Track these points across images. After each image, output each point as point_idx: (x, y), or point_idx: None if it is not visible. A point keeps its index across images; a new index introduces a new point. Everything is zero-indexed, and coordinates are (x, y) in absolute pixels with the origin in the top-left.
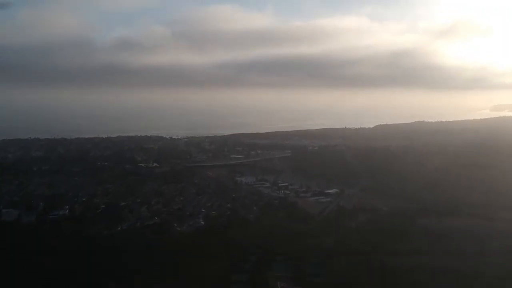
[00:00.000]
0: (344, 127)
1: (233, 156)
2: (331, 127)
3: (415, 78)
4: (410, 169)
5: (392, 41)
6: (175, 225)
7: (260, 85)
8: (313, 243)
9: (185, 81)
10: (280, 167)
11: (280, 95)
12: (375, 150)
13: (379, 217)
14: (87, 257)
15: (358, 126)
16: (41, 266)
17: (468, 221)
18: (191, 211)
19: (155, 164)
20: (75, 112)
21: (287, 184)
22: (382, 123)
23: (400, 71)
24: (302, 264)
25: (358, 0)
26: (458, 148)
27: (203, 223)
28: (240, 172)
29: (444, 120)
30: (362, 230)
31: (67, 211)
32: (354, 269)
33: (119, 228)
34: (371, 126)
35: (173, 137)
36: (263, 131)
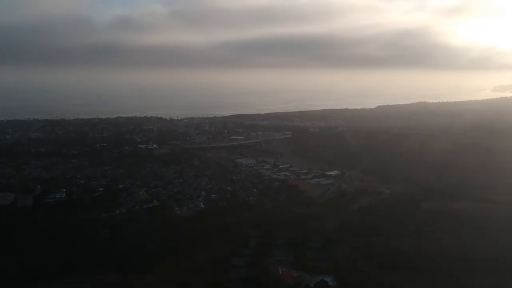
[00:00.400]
0: (345, 108)
1: (233, 137)
2: (332, 108)
3: (420, 58)
4: (413, 152)
5: (400, 20)
6: (175, 208)
7: (261, 66)
8: (314, 227)
9: (185, 61)
10: (280, 148)
11: (281, 76)
12: (377, 131)
13: (381, 200)
14: (83, 242)
15: (359, 107)
16: (35, 250)
17: (473, 204)
18: (191, 194)
19: (154, 146)
20: (74, 92)
21: (287, 166)
22: (384, 104)
23: (406, 51)
24: (303, 248)
25: None
26: (462, 130)
27: (203, 206)
28: (240, 153)
29: (445, 101)
30: (363, 213)
31: (64, 194)
32: (356, 253)
33: (117, 212)
34: (373, 107)
35: (173, 118)
36: (263, 112)
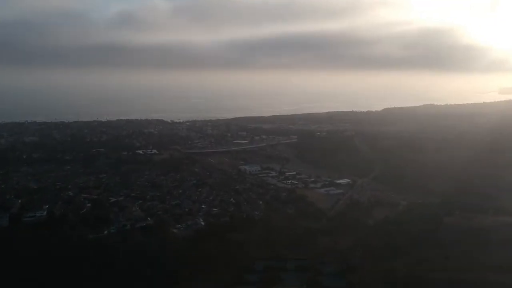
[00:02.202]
0: (352, 110)
1: (236, 141)
2: (338, 110)
3: (439, 60)
4: (427, 158)
5: (427, 18)
6: (171, 227)
7: (270, 67)
8: (326, 245)
9: (188, 61)
10: (286, 153)
11: (288, 77)
12: (387, 135)
13: (399, 214)
14: (62, 269)
15: (365, 110)
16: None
17: (500, 218)
18: (190, 208)
19: (154, 151)
20: (74, 93)
21: (294, 173)
22: (390, 106)
23: (427, 51)
24: (316, 274)
25: None
26: (475, 135)
27: (203, 223)
28: (243, 159)
29: (453, 103)
30: (381, 229)
31: (45, 212)
32: (377, 281)
33: (105, 232)
34: (379, 109)
35: (175, 120)
36: (267, 114)
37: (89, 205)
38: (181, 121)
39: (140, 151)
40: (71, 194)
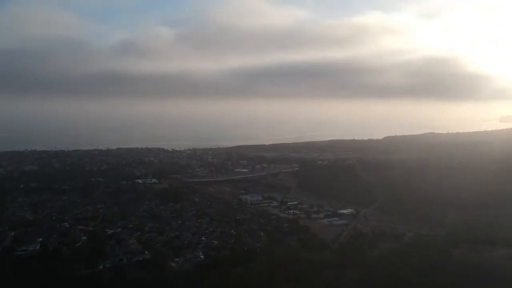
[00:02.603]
0: (353, 138)
1: (237, 170)
2: (339, 138)
3: (438, 88)
4: (431, 187)
5: (432, 46)
6: (170, 261)
7: (271, 95)
8: (330, 279)
9: (191, 90)
10: (287, 183)
11: (291, 106)
12: (390, 164)
13: (405, 246)
14: None
15: (366, 138)
16: None
17: (510, 251)
18: (190, 240)
19: (153, 180)
20: (75, 122)
21: (296, 202)
22: (391, 135)
23: (430, 80)
24: None
25: None
26: (481, 164)
27: (202, 256)
28: (244, 188)
29: (454, 132)
30: (388, 262)
31: (39, 245)
32: None
33: (100, 267)
34: (380, 137)
35: (175, 149)
36: (268, 143)
37: (84, 238)
38: (182, 149)
39: (140, 180)
40: (67, 225)
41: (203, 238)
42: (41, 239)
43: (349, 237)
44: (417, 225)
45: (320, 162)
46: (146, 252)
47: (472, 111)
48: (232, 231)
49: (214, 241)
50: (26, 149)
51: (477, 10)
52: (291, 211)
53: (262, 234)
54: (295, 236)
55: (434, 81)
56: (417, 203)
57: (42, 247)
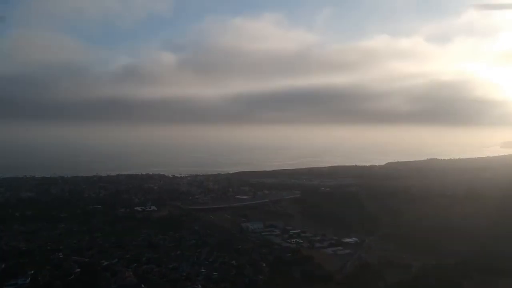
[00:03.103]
0: (354, 164)
1: (238, 197)
2: (341, 164)
3: (443, 113)
4: (436, 215)
5: (440, 71)
6: None
7: (273, 121)
8: None
9: (193, 116)
10: (289, 210)
11: (291, 132)
12: (393, 191)
13: (413, 278)
14: None
15: (368, 164)
16: None
17: None
18: (189, 272)
19: (152, 207)
20: (76, 148)
21: (298, 231)
22: (393, 161)
23: (434, 105)
24: None
25: (422, 17)
26: (487, 191)
27: None
28: (246, 215)
29: (456, 158)
30: None
31: (29, 279)
32: None
33: None
34: (382, 163)
35: (176, 175)
36: (269, 169)
37: (78, 270)
38: (182, 175)
39: (139, 208)
40: (61, 256)
41: (202, 270)
42: (32, 271)
43: (355, 267)
44: (423, 254)
45: (322, 188)
46: (142, 285)
47: (474, 137)
48: (233, 261)
49: (214, 273)
50: (25, 175)
51: (486, 34)
52: (294, 240)
53: (264, 265)
54: (299, 267)
55: (439, 106)
56: (422, 232)
57: (32, 280)
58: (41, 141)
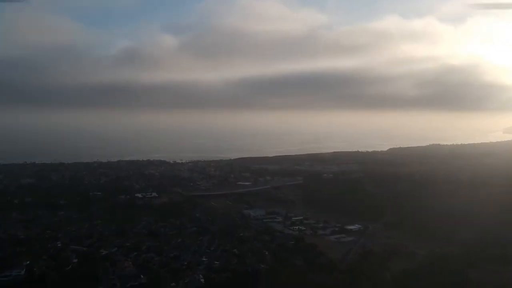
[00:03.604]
0: (357, 150)
1: (239, 183)
2: (343, 150)
3: (451, 98)
4: (441, 202)
5: (452, 54)
6: (167, 285)
7: (276, 107)
8: None
9: (195, 101)
10: (292, 196)
11: (294, 117)
12: (397, 177)
13: (418, 266)
14: None
15: (370, 149)
16: None
17: None
18: (189, 261)
19: (153, 194)
20: (77, 134)
21: (301, 217)
22: (396, 146)
23: (441, 90)
24: None
25: None
26: (492, 178)
27: (203, 280)
28: (247, 202)
29: (459, 143)
30: (400, 284)
31: (24, 270)
32: None
33: None
34: (384, 149)
35: (177, 161)
36: (271, 154)
37: (75, 260)
38: (183, 161)
39: (139, 195)
40: (60, 245)
41: (203, 259)
42: (28, 262)
43: (358, 256)
44: (428, 242)
45: (325, 175)
46: (142, 276)
47: (479, 122)
48: (235, 250)
49: (216, 262)
50: (26, 162)
51: (502, 15)
52: (296, 227)
53: (267, 253)
54: (301, 255)
55: (447, 91)
56: (427, 219)
57: (28, 271)
58: (41, 127)
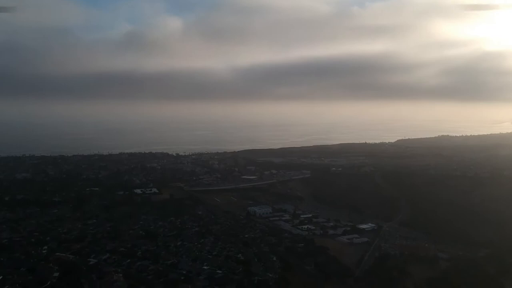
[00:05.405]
0: (364, 142)
1: (244, 177)
2: (350, 142)
3: (472, 88)
4: (460, 198)
5: (488, 39)
6: None
7: (284, 97)
8: None
9: (201, 90)
10: (299, 192)
11: (302, 108)
12: (410, 171)
13: (443, 273)
14: None
15: (378, 141)
16: None
17: None
18: (189, 269)
19: (153, 190)
20: (78, 126)
21: (310, 215)
22: (404, 138)
23: (463, 79)
24: None
25: None
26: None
27: None
28: (252, 198)
29: (468, 135)
30: None
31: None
32: None
33: None
34: (392, 140)
35: (180, 153)
36: (276, 146)
37: (56, 275)
38: (186, 154)
39: (139, 190)
40: (45, 251)
41: (204, 267)
42: (1, 277)
43: (374, 260)
44: (449, 243)
45: (334, 169)
46: None
47: (489, 113)
48: (239, 255)
49: (218, 271)
50: (24, 154)
51: None
52: (305, 227)
53: (274, 258)
54: (312, 259)
55: (470, 80)
56: (445, 217)
57: (3, 283)
58: (41, 119)
